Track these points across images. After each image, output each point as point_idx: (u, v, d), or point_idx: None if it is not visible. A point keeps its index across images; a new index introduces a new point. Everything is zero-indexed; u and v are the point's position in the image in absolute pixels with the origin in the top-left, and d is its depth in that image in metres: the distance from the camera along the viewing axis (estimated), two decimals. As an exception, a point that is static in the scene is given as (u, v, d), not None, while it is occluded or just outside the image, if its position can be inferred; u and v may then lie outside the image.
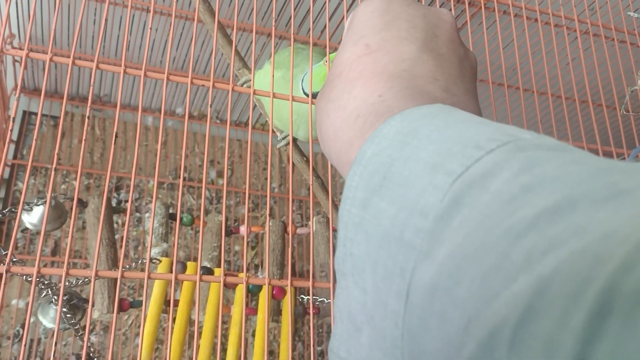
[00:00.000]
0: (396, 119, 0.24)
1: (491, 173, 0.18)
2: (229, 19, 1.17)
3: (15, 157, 1.41)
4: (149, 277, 0.42)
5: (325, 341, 1.44)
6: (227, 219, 0.85)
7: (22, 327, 1.24)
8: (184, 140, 0.46)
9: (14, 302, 1.27)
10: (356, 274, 0.22)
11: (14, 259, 0.43)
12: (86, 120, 0.42)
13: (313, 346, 0.47)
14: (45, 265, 1.32)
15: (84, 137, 0.42)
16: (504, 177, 0.18)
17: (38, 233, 1.27)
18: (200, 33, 1.23)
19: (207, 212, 1.45)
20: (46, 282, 0.61)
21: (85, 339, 0.39)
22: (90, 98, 0.43)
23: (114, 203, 1.42)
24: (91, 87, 0.43)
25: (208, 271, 0.69)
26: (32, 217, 0.80)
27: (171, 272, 0.73)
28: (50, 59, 0.44)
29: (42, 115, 1.46)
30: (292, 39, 0.60)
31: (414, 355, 0.19)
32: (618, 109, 0.91)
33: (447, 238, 0.18)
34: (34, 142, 0.42)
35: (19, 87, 0.43)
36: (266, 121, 1.57)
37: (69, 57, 1.17)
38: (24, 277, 0.47)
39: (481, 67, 1.13)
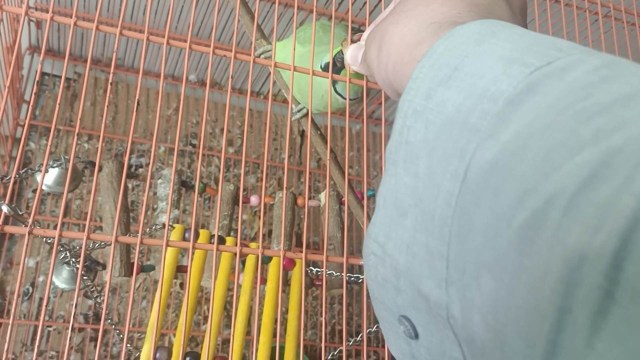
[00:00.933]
0: (475, 23, 0.24)
1: (571, 67, 0.19)
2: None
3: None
4: (167, 245, 0.43)
5: (329, 312, 1.46)
6: (237, 189, 0.86)
7: (32, 285, 1.26)
8: (204, 109, 0.46)
9: (24, 260, 1.28)
10: (409, 161, 0.22)
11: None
12: (109, 86, 0.42)
13: (324, 316, 0.48)
14: (56, 225, 1.34)
15: (106, 103, 0.42)
16: (583, 69, 0.18)
17: (49, 194, 1.28)
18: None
19: (216, 181, 1.46)
20: (63, 244, 0.62)
21: (105, 299, 0.40)
22: (113, 64, 0.43)
23: (124, 167, 1.43)
24: (114, 54, 0.43)
25: (221, 240, 0.70)
26: (47, 179, 0.80)
27: (184, 239, 0.75)
28: (75, 24, 0.44)
29: (54, 76, 1.46)
30: (314, 11, 0.59)
31: (463, 231, 0.19)
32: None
33: (514, 120, 0.18)
34: (57, 106, 0.42)
35: (42, 50, 0.43)
36: (279, 91, 1.56)
37: (87, 19, 1.15)
38: (44, 239, 0.47)
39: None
